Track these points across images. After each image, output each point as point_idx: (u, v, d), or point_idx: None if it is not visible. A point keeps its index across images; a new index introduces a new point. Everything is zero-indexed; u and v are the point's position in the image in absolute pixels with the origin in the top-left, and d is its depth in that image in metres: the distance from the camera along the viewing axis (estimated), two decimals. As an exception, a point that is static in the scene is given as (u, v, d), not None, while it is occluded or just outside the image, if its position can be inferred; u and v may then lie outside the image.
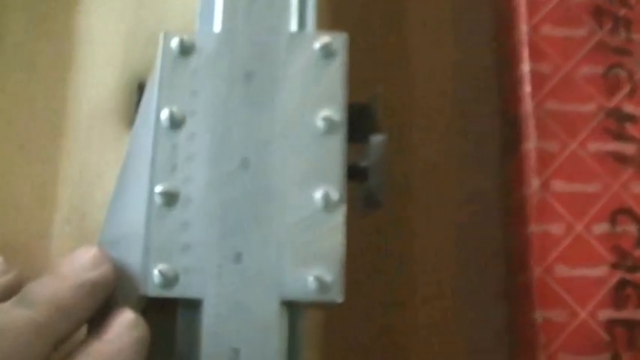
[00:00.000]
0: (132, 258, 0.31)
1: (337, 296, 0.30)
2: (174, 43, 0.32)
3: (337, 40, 0.32)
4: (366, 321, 0.40)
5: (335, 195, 0.30)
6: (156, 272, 0.30)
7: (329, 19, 0.42)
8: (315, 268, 0.30)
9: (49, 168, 0.39)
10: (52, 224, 0.38)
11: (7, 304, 0.29)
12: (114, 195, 0.32)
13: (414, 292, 0.41)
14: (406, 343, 0.40)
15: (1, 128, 0.39)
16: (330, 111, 0.31)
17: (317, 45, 0.32)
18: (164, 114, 0.31)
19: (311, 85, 0.32)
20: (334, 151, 0.31)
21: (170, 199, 0.31)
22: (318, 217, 0.30)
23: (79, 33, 0.40)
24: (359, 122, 0.33)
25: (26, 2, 0.40)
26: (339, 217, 0.30)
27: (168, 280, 0.30)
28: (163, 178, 0.31)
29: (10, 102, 0.39)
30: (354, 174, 0.32)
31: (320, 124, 0.31)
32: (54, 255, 0.38)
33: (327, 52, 0.32)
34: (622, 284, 0.39)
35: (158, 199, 0.31)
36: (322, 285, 0.30)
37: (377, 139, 0.32)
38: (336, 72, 0.32)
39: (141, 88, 0.34)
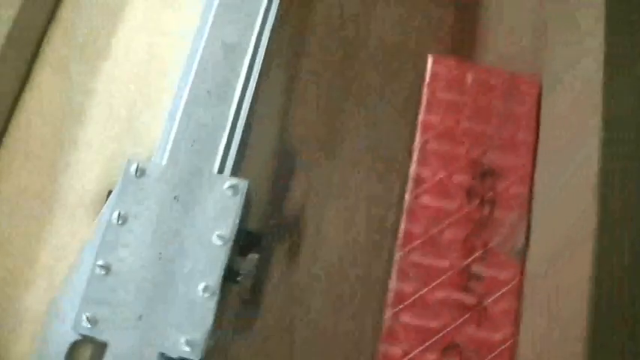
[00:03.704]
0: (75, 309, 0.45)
1: (197, 355, 0.43)
2: (133, 167, 0.47)
3: (241, 183, 0.47)
4: None
5: (212, 288, 0.44)
6: (84, 317, 0.44)
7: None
8: (189, 333, 0.44)
9: (36, 241, 0.52)
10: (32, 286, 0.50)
11: None
12: (73, 268, 0.47)
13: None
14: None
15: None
16: (223, 231, 0.46)
17: (227, 185, 0.47)
18: (115, 214, 0.46)
19: (215, 211, 0.46)
20: (219, 258, 0.45)
21: (106, 270, 0.45)
22: (198, 301, 0.44)
23: (73, 141, 0.55)
24: (250, 242, 0.47)
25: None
26: (212, 303, 0.44)
27: (91, 323, 0.44)
28: (104, 256, 0.45)
29: (11, 187, 0.53)
30: (232, 277, 0.46)
31: (215, 239, 0.45)
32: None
33: (233, 190, 0.47)
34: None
35: (98, 269, 0.45)
36: (189, 345, 0.43)
37: (251, 257, 0.46)
38: (234, 205, 0.46)
39: (109, 194, 0.49)
